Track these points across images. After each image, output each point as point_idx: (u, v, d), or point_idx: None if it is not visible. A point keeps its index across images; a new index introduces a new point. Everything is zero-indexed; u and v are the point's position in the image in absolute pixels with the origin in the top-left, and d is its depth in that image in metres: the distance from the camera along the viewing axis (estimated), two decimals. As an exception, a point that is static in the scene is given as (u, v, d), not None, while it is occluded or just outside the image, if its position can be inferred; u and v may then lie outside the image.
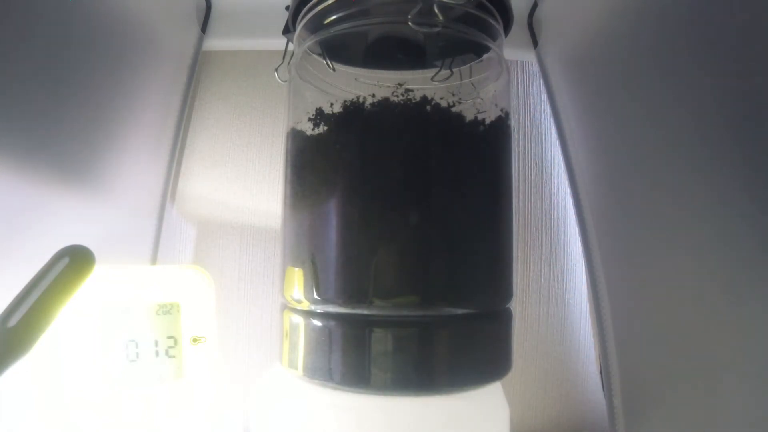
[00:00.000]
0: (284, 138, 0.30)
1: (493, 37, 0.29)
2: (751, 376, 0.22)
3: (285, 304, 0.28)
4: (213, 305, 0.33)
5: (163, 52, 0.39)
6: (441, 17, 0.25)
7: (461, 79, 0.33)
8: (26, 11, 0.25)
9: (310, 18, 0.28)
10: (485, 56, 0.32)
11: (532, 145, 0.46)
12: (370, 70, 0.33)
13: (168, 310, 0.31)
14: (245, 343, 0.45)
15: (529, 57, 0.42)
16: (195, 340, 0.32)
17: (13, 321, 0.22)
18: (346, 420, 0.24)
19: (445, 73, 0.33)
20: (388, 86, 0.27)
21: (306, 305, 0.26)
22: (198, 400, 0.32)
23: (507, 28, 0.30)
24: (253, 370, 0.44)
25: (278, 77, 0.33)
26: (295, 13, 0.29)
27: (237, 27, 0.43)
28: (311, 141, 0.28)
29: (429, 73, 0.33)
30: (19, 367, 0.23)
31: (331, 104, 0.28)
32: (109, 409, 0.29)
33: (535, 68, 0.46)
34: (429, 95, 0.26)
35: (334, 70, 0.32)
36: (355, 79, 0.33)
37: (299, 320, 0.26)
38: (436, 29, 0.25)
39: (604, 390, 0.38)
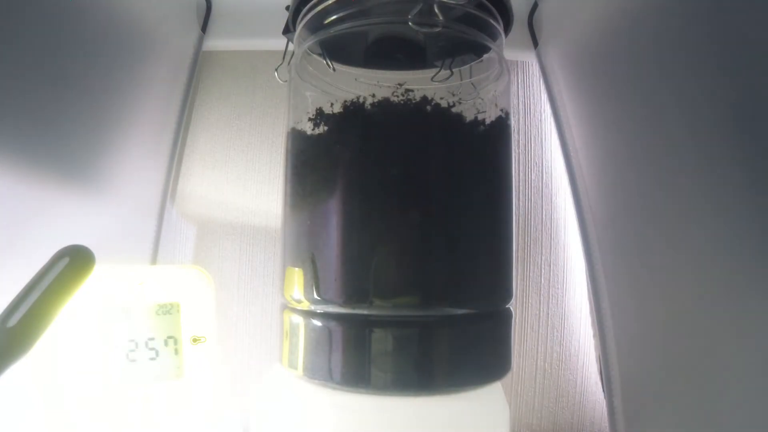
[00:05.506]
0: (284, 138, 0.30)
1: (493, 37, 0.29)
2: (751, 376, 0.22)
3: (285, 304, 0.28)
4: (213, 305, 0.33)
5: (163, 52, 0.39)
6: (441, 17, 0.25)
7: (461, 79, 0.33)
8: (26, 12, 0.25)
9: (310, 18, 0.28)
10: (485, 56, 0.32)
11: (532, 145, 0.46)
12: (370, 70, 0.33)
13: (168, 310, 0.31)
14: (245, 343, 0.45)
15: (529, 57, 0.42)
16: (195, 340, 0.32)
17: (12, 321, 0.22)
18: (346, 420, 0.24)
19: (445, 73, 0.33)
20: (388, 86, 0.27)
21: (306, 305, 0.26)
22: (198, 400, 0.32)
23: (507, 28, 0.30)
24: (253, 370, 0.44)
25: (278, 77, 0.33)
26: (295, 13, 0.29)
27: (237, 27, 0.43)
28: (311, 141, 0.28)
29: (429, 73, 0.33)
30: (19, 367, 0.23)
31: (331, 104, 0.28)
32: (109, 409, 0.29)
33: (535, 68, 0.46)
34: (429, 95, 0.26)
35: (334, 70, 0.32)
36: (355, 79, 0.33)
37: (299, 320, 0.26)
38: (436, 29, 0.25)
39: (604, 390, 0.38)
